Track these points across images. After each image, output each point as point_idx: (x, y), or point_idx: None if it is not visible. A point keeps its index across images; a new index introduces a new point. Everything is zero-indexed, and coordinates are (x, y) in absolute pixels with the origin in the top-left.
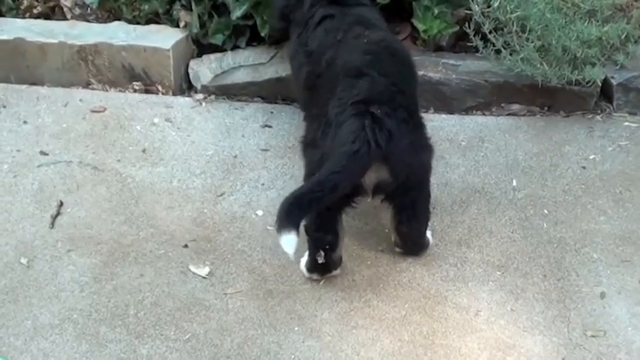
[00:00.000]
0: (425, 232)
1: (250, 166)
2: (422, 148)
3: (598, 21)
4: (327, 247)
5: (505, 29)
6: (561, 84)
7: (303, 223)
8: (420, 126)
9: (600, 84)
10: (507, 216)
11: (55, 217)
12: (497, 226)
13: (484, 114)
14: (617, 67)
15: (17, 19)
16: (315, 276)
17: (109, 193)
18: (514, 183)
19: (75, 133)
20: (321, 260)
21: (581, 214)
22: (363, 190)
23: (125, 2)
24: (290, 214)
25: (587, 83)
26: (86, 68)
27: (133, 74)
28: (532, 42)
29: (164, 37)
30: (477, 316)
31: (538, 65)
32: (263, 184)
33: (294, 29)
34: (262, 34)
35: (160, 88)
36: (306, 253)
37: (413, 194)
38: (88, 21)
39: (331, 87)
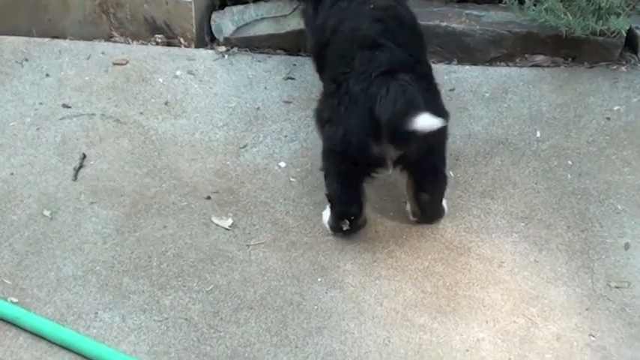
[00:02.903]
0: (442, 198)
1: (273, 118)
2: (442, 114)
3: None
4: (352, 217)
5: None
6: (585, 34)
7: (325, 193)
8: (438, 93)
9: (625, 34)
10: (531, 167)
11: (77, 170)
12: (521, 177)
13: (508, 65)
14: None
15: None
16: (338, 235)
17: (131, 145)
18: (538, 134)
19: (97, 86)
20: (346, 228)
21: (605, 165)
22: (384, 162)
23: None
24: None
25: (611, 34)
26: (108, 21)
27: (154, 27)
28: None
29: None
30: (501, 267)
31: (562, 15)
32: (286, 136)
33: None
34: None
35: (182, 40)
36: (328, 208)
37: (432, 160)
38: None
39: (344, 58)
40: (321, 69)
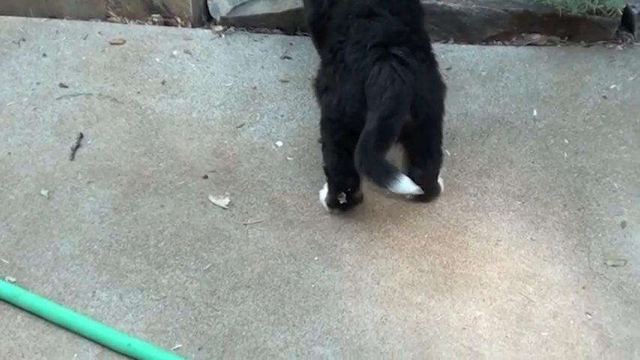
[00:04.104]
0: (438, 175)
1: (270, 98)
2: (439, 86)
3: None
4: (349, 189)
5: None
6: (582, 13)
7: (323, 165)
8: (435, 64)
9: (621, 13)
10: (528, 146)
11: (75, 149)
12: (518, 155)
13: (504, 44)
14: None
15: None
16: (335, 211)
17: (128, 125)
18: (534, 113)
19: (94, 66)
20: (342, 201)
21: (601, 143)
22: None
23: None
24: (386, 164)
25: (608, 12)
26: (105, 1)
27: (151, 6)
28: None
29: None
30: (497, 245)
31: None
32: (282, 115)
33: None
34: None
35: (178, 20)
36: (325, 187)
37: (428, 135)
38: None
39: (341, 27)
40: (318, 41)
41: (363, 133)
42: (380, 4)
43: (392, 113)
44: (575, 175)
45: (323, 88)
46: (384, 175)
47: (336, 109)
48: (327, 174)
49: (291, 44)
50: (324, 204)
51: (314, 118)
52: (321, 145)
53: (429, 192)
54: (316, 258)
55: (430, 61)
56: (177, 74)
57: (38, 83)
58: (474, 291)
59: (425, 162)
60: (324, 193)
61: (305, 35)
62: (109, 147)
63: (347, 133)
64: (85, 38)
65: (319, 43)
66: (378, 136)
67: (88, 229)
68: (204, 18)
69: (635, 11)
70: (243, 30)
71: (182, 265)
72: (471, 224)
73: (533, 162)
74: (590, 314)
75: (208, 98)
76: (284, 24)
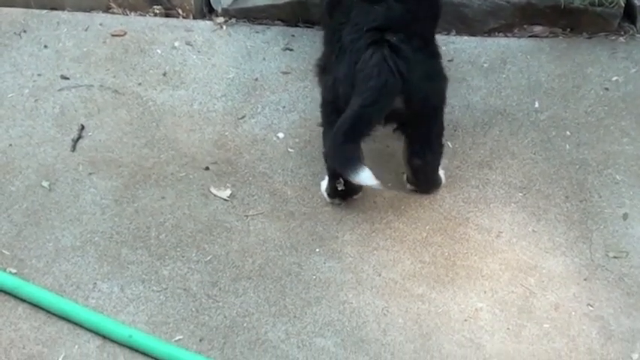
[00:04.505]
0: (438, 167)
1: (271, 89)
2: (437, 77)
3: None
4: None
5: None
6: (584, 5)
7: (322, 151)
8: (435, 55)
9: (624, 5)
10: (529, 137)
11: (76, 141)
12: (520, 147)
13: (506, 36)
14: None
15: None
16: (336, 201)
17: (129, 116)
18: (536, 105)
19: (95, 57)
20: (340, 187)
21: (603, 135)
22: None
23: None
24: (351, 152)
25: (610, 4)
26: None
27: None
28: None
29: None
30: (499, 237)
31: None
32: (284, 107)
33: None
34: None
35: (180, 11)
36: (326, 178)
37: (427, 125)
38: None
39: (345, 11)
40: (325, 23)
41: (340, 118)
42: None
43: (372, 102)
44: (577, 166)
45: (322, 67)
46: (345, 164)
47: (331, 89)
48: (325, 159)
49: (292, 36)
50: (325, 195)
51: (315, 109)
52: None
53: (427, 182)
54: (317, 249)
55: (430, 52)
56: (178, 66)
57: (39, 75)
58: (476, 283)
59: (424, 153)
60: (324, 184)
61: (307, 27)
62: (110, 138)
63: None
64: (86, 30)
65: (325, 27)
66: (352, 123)
67: (89, 221)
68: (206, 9)
69: (637, 3)
70: (244, 21)
71: (183, 256)
72: (472, 216)
73: (534, 154)
74: (591, 306)
75: (210, 90)
76: (285, 15)
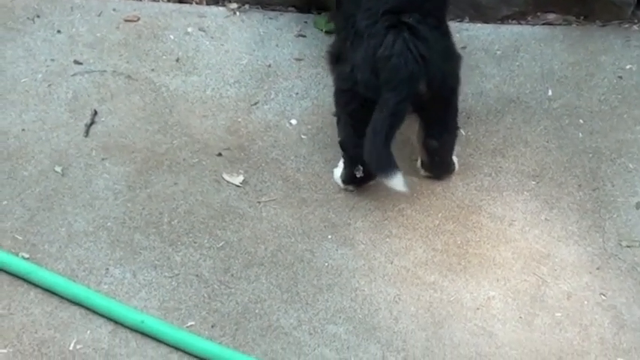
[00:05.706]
0: (453, 149)
1: (284, 76)
2: (453, 55)
3: None
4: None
5: None
6: None
7: (338, 139)
8: (448, 33)
9: None
10: (542, 125)
11: (89, 126)
12: (533, 135)
13: (520, 23)
14: None
15: None
16: (350, 187)
17: (142, 102)
18: (549, 92)
19: (109, 43)
20: (359, 174)
21: (617, 123)
22: None
23: None
24: (388, 155)
25: None
26: None
27: None
28: None
29: None
30: (512, 225)
31: None
32: (297, 94)
33: None
34: None
35: None
36: (340, 165)
37: (444, 106)
38: None
39: None
40: (336, 17)
41: (375, 118)
42: None
43: (406, 97)
44: (590, 155)
45: (335, 57)
46: (383, 167)
47: (349, 77)
48: (342, 148)
49: (305, 22)
50: (339, 181)
51: (328, 96)
52: (335, 119)
53: (441, 166)
54: (330, 236)
55: (443, 30)
56: (191, 52)
57: (52, 60)
58: (488, 271)
59: (441, 134)
60: (337, 171)
61: (319, 14)
62: (123, 124)
63: (361, 104)
64: (99, 15)
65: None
66: (391, 124)
67: (102, 206)
68: None
69: None
70: (257, 8)
71: (195, 242)
72: (485, 204)
73: (547, 142)
74: (604, 295)
75: (222, 76)
76: (298, 2)
